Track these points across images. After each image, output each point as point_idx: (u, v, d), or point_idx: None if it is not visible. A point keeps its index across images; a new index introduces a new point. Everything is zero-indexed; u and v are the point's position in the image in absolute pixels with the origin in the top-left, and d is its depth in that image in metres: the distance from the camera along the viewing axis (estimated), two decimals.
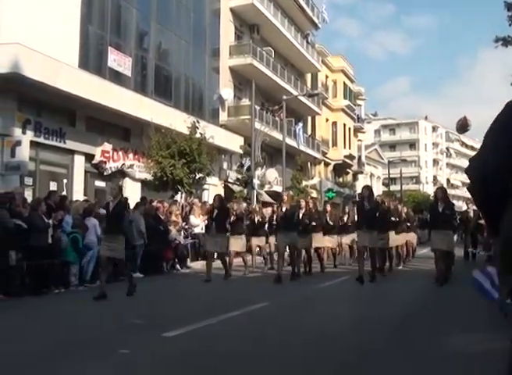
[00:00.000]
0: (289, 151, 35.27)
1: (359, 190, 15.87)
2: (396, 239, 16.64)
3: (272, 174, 35.45)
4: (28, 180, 19.59)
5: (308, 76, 49.66)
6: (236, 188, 31.50)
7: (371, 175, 67.10)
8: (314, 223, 15.58)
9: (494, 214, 2.29)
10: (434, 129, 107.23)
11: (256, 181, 29.53)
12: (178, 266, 17.52)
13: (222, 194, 26.28)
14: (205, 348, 6.33)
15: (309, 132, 48.01)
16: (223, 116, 33.85)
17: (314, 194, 39.96)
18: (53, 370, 5.47)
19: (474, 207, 14.21)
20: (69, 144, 22.04)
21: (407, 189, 73.43)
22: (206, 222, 15.94)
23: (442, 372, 5.32)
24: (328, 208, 18.80)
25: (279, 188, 33.01)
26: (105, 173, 23.62)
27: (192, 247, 18.88)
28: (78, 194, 20.77)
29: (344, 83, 55.41)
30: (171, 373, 5.46)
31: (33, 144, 19.94)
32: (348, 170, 58.11)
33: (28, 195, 17.30)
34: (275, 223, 15.75)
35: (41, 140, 20.67)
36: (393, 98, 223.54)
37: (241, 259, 16.45)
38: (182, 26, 30.12)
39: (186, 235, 18.58)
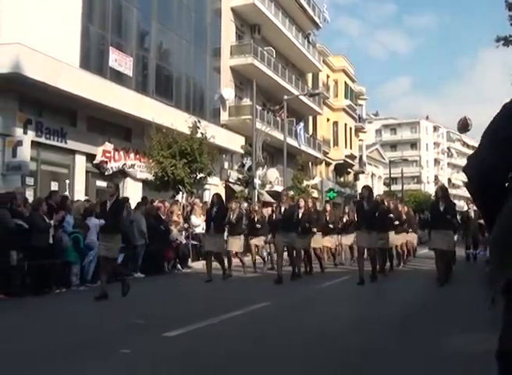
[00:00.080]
0: (290, 151, 35.26)
1: (360, 190, 15.80)
2: (396, 239, 16.63)
3: (273, 174, 35.45)
4: (29, 180, 19.61)
5: (309, 76, 49.66)
6: (237, 188, 31.50)
7: (373, 175, 67.09)
8: (314, 229, 15.58)
9: (492, 212, 2.33)
10: (435, 129, 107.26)
11: (257, 181, 29.52)
12: (179, 266, 17.52)
13: (223, 194, 26.32)
14: (206, 347, 6.34)
15: (310, 132, 48.01)
16: (224, 116, 33.86)
17: (315, 194, 40.00)
18: (53, 370, 5.48)
19: (475, 207, 14.23)
20: (71, 144, 22.06)
21: (408, 189, 73.38)
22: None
23: (442, 372, 5.32)
24: (328, 207, 18.71)
25: (280, 188, 32.94)
26: (106, 173, 23.61)
27: (193, 247, 18.89)
28: (79, 194, 20.78)
29: (345, 82, 55.40)
30: (171, 373, 5.47)
31: (34, 144, 19.96)
32: (349, 170, 58.11)
33: (29, 195, 17.32)
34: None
35: (42, 140, 20.69)
36: (394, 97, 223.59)
37: (239, 259, 16.40)
38: (183, 26, 30.12)
39: (188, 235, 18.58)
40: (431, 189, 77.78)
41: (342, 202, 44.98)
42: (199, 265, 17.98)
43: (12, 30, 18.82)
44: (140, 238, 15.60)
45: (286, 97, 33.78)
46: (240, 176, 31.21)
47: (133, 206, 16.50)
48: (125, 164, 24.84)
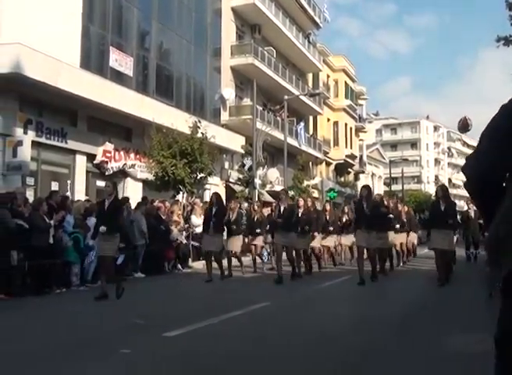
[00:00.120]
0: (290, 151, 35.27)
1: (359, 189, 15.74)
2: (395, 238, 16.58)
3: (273, 174, 35.45)
4: (30, 180, 19.62)
5: (310, 76, 49.66)
6: (237, 188, 31.52)
7: (373, 175, 67.06)
8: (316, 234, 15.56)
9: (490, 211, 2.36)
10: (435, 128, 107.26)
11: (257, 181, 29.54)
12: (179, 266, 17.52)
13: (224, 194, 26.30)
14: (206, 347, 6.34)
15: (310, 132, 48.00)
16: (224, 116, 33.86)
17: (315, 193, 40.01)
18: (53, 370, 5.48)
19: (475, 207, 14.23)
20: (71, 144, 22.07)
21: (409, 189, 73.40)
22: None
23: (442, 372, 5.32)
24: (328, 207, 18.58)
25: (280, 188, 32.99)
26: (107, 173, 23.61)
27: (193, 247, 18.88)
28: (79, 194, 20.78)
29: (345, 82, 55.40)
30: (171, 373, 5.47)
31: (34, 144, 19.97)
32: (349, 170, 58.11)
33: (30, 195, 17.33)
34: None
35: (43, 140, 20.70)
36: (395, 97, 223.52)
37: (238, 259, 16.33)
38: (183, 26, 30.13)
39: (188, 235, 18.57)
40: (431, 189, 77.76)
41: (342, 202, 44.97)
42: (199, 265, 17.97)
43: (13, 30, 18.83)
44: (140, 238, 15.61)
45: (286, 97, 33.79)
46: (241, 176, 31.22)
47: (133, 206, 16.50)
48: (125, 164, 24.84)
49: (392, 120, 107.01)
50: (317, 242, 16.80)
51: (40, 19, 19.89)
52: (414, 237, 19.54)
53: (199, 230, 18.80)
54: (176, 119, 22.68)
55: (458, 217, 16.66)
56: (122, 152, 24.73)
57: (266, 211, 18.20)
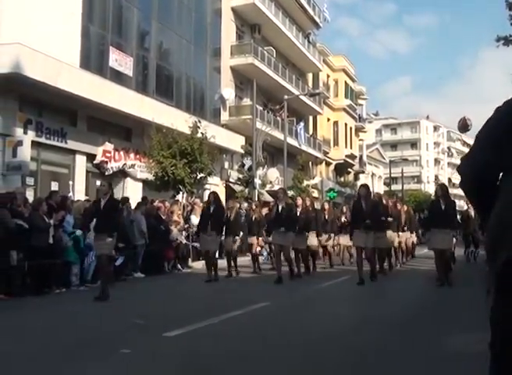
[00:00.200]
0: (290, 151, 35.27)
1: (358, 188, 15.68)
2: (394, 238, 16.49)
3: (273, 174, 35.45)
4: (29, 180, 19.62)
5: (309, 76, 49.66)
6: (237, 188, 31.52)
7: (373, 174, 67.06)
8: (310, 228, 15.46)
9: (486, 210, 2.43)
10: (435, 128, 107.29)
11: (257, 181, 29.55)
12: (179, 266, 17.51)
13: (224, 194, 26.31)
14: (206, 347, 6.34)
15: (310, 131, 48.01)
16: (224, 116, 33.87)
17: (315, 193, 40.00)
18: (53, 370, 5.47)
19: None
20: (71, 144, 22.07)
21: (409, 188, 73.45)
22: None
23: (442, 372, 5.31)
24: (326, 206, 18.52)
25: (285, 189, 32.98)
26: (107, 173, 23.61)
27: (193, 247, 18.86)
28: (79, 194, 20.75)
29: (345, 82, 55.40)
30: (171, 373, 5.46)
31: (34, 144, 19.97)
32: (349, 170, 58.11)
33: (29, 195, 17.32)
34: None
35: (43, 140, 20.70)
36: (395, 97, 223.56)
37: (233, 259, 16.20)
38: (183, 26, 30.13)
39: (188, 235, 18.56)
40: (431, 189, 77.77)
41: (342, 202, 44.97)
42: (199, 265, 17.96)
43: (13, 30, 18.83)
44: (140, 238, 15.60)
45: (286, 97, 33.80)
46: (241, 176, 31.22)
47: (133, 206, 16.49)
48: (125, 164, 24.85)
49: (392, 120, 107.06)
50: (313, 241, 16.75)
51: (40, 19, 19.90)
52: (413, 237, 19.53)
53: None
54: (175, 119, 22.69)
55: (458, 217, 16.64)
56: (121, 152, 24.73)
57: (265, 211, 18.17)
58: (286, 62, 42.83)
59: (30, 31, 19.08)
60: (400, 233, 17.32)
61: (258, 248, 18.75)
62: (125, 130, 25.61)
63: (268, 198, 32.32)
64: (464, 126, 13.77)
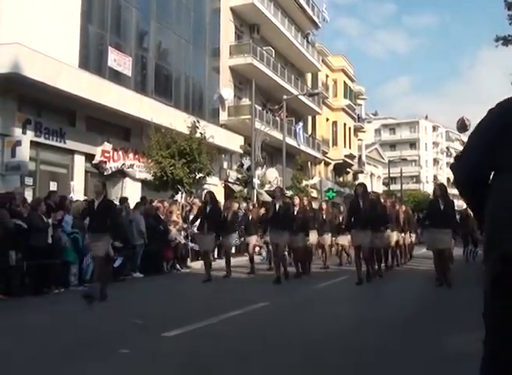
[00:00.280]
0: (289, 151, 35.28)
1: (355, 187, 15.61)
2: (392, 238, 16.40)
3: (272, 174, 35.45)
4: (28, 180, 19.60)
5: (308, 76, 49.66)
6: (236, 188, 31.51)
7: (372, 174, 67.12)
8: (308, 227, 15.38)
9: (479, 207, 2.55)
10: (434, 128, 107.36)
11: (256, 181, 29.54)
12: (178, 266, 17.51)
13: (223, 194, 26.30)
14: (205, 347, 6.33)
15: (309, 131, 48.02)
16: (223, 116, 33.85)
17: (314, 193, 39.99)
18: (53, 370, 5.47)
19: None
20: (70, 144, 22.06)
21: (408, 188, 73.49)
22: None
23: (442, 372, 5.31)
24: (324, 206, 18.44)
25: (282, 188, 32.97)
26: (105, 173, 23.61)
27: (192, 248, 18.85)
28: (78, 194, 20.73)
29: (344, 82, 55.42)
30: (171, 373, 5.46)
31: (33, 144, 19.96)
32: (348, 170, 58.12)
33: (28, 195, 17.30)
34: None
35: (41, 140, 20.69)
36: (394, 97, 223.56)
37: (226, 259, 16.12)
38: (182, 26, 30.12)
39: (186, 235, 18.55)
40: (430, 189, 77.77)
41: (341, 202, 44.97)
42: (198, 265, 17.95)
43: (12, 30, 18.81)
44: (139, 238, 15.59)
45: (285, 97, 33.79)
46: (239, 176, 31.21)
47: (132, 206, 16.48)
48: (124, 164, 24.84)
49: (391, 120, 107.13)
50: (315, 240, 16.74)
51: (39, 19, 19.88)
52: (412, 237, 19.49)
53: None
54: (174, 119, 22.67)
55: (457, 217, 16.62)
56: (120, 152, 24.71)
57: (263, 211, 18.16)
58: (285, 62, 42.83)
59: (29, 31, 19.07)
60: (398, 233, 17.24)
61: (257, 248, 18.79)
62: (124, 130, 25.60)
63: (267, 198, 32.31)
64: (462, 126, 13.78)
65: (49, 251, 12.11)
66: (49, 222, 12.22)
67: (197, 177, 21.53)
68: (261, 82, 34.98)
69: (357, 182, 56.45)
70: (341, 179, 55.37)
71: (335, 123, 54.20)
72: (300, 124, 43.21)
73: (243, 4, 35.48)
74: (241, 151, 31.76)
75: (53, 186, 20.77)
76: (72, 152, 22.53)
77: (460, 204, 27.16)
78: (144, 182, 25.07)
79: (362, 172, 61.99)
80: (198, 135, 21.39)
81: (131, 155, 25.27)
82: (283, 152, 31.29)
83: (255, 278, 15.33)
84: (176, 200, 20.50)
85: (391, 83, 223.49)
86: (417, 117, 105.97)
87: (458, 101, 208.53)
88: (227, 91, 33.65)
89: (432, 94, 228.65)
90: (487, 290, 2.43)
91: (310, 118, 49.30)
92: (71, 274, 12.86)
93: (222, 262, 15.72)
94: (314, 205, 19.14)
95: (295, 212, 14.54)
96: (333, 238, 18.55)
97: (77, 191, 21.65)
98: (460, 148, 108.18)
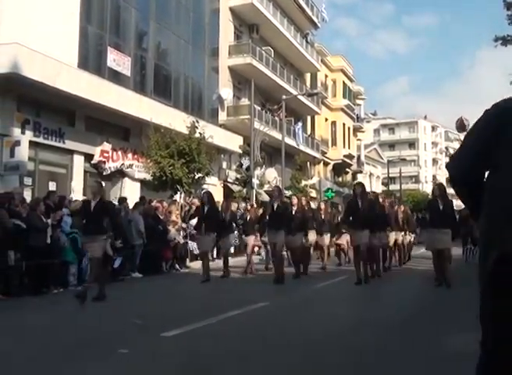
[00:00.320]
0: (288, 151, 35.27)
1: (353, 187, 15.55)
2: (391, 238, 16.34)
3: (271, 174, 35.45)
4: (27, 180, 19.57)
5: (308, 76, 49.67)
6: (235, 188, 31.51)
7: (371, 174, 67.13)
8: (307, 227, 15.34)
9: (475, 206, 2.61)
10: (433, 128, 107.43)
11: (255, 181, 29.53)
12: (177, 266, 17.50)
13: (222, 194, 26.28)
14: (204, 347, 6.33)
15: (308, 131, 48.01)
16: (222, 116, 33.85)
17: (313, 193, 39.98)
18: (53, 370, 5.47)
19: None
20: (69, 144, 22.05)
21: (407, 188, 73.44)
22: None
23: (442, 372, 5.31)
24: (322, 206, 18.31)
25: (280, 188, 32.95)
26: (105, 173, 23.62)
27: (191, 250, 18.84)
28: (77, 194, 20.73)
29: (344, 82, 55.42)
30: (170, 373, 5.46)
31: (32, 144, 19.95)
32: (347, 170, 58.13)
33: (27, 195, 17.27)
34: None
35: (40, 140, 20.68)
36: (393, 97, 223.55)
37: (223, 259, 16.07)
38: (181, 26, 30.12)
39: (185, 235, 18.54)
40: (429, 189, 77.70)
41: (340, 202, 44.96)
42: (197, 265, 17.93)
43: (11, 30, 18.80)
44: (138, 238, 15.58)
45: (284, 96, 33.74)
46: (238, 175, 31.22)
47: (131, 206, 16.48)
48: (123, 164, 24.83)
49: (390, 120, 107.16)
50: (314, 240, 16.72)
51: (39, 19, 19.87)
52: (411, 237, 19.44)
53: None
54: (173, 119, 22.67)
55: (457, 217, 16.59)
56: (119, 152, 24.71)
57: (261, 211, 18.11)
58: (284, 62, 42.83)
59: (28, 31, 19.06)
60: (397, 233, 17.19)
61: (256, 248, 18.75)
62: (123, 130, 25.59)
63: (266, 198, 32.32)
64: (461, 126, 13.83)
65: (48, 251, 12.11)
66: (48, 222, 12.21)
67: (196, 177, 21.52)
68: (260, 82, 34.98)
69: (355, 182, 56.62)
70: (340, 179, 55.37)
71: (334, 123, 54.20)
72: (299, 124, 43.20)
73: (242, 4, 35.48)
74: (240, 151, 31.77)
75: (52, 186, 20.76)
76: (71, 152, 22.52)
77: (459, 204, 27.08)
78: (143, 182, 25.06)
79: (361, 172, 62.00)
80: (197, 135, 21.39)
81: (130, 155, 25.27)
82: (282, 152, 31.27)
83: (254, 278, 15.32)
84: (175, 200, 20.50)
85: (390, 83, 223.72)
86: (416, 117, 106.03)
87: (457, 101, 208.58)
88: (226, 91, 33.66)
89: (432, 94, 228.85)
90: (484, 290, 2.45)
91: (309, 118, 49.30)
92: (70, 274, 12.86)
93: (220, 263, 15.68)
94: (313, 205, 19.12)
95: (293, 212, 14.50)
96: (332, 239, 18.51)
97: (76, 191, 21.66)
98: None
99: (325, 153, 51.01)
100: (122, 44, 25.59)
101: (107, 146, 23.71)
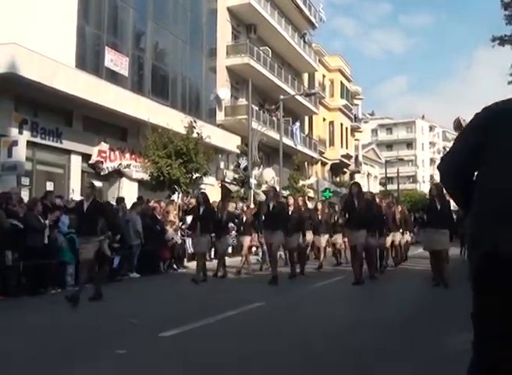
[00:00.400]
0: (286, 151, 35.25)
1: (349, 187, 15.51)
2: (388, 238, 16.31)
3: (269, 174, 35.44)
4: (25, 180, 19.55)
5: (305, 76, 49.69)
6: (233, 188, 31.51)
7: (368, 174, 67.15)
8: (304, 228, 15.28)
9: (466, 204, 2.68)
10: (431, 128, 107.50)
11: (253, 181, 29.51)
12: (175, 266, 17.50)
13: (219, 194, 26.27)
14: (202, 347, 6.31)
15: (306, 131, 48.03)
16: (220, 116, 33.85)
17: (311, 193, 40.01)
18: (52, 370, 5.47)
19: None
20: (66, 144, 22.03)
21: (404, 188, 73.56)
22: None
23: (442, 372, 5.30)
24: (319, 206, 18.34)
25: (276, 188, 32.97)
26: (102, 173, 23.62)
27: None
28: (76, 195, 20.71)
29: (341, 82, 55.44)
30: (168, 373, 5.45)
31: (29, 144, 19.92)
32: (345, 170, 58.14)
33: (25, 195, 17.26)
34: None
35: (38, 140, 20.66)
36: (390, 97, 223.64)
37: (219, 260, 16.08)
38: (179, 26, 30.11)
39: (183, 235, 18.54)
40: (426, 188, 77.76)
41: (337, 202, 44.94)
42: (194, 265, 17.92)
43: (8, 30, 18.75)
44: (135, 238, 15.58)
45: (282, 96, 33.76)
46: (236, 176, 31.22)
47: (128, 206, 16.46)
48: (120, 164, 24.82)
49: (388, 120, 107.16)
50: (311, 240, 16.72)
51: (36, 19, 19.84)
52: (408, 237, 19.40)
53: None
54: (171, 119, 22.64)
55: (454, 216, 16.59)
56: (117, 152, 24.70)
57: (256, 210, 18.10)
58: (282, 62, 42.84)
59: (25, 31, 19.02)
60: (394, 233, 17.17)
61: (254, 248, 18.77)
62: (120, 130, 25.57)
63: (264, 198, 32.34)
64: (459, 126, 13.74)
65: (45, 251, 12.11)
66: (46, 222, 12.21)
67: (194, 177, 21.50)
68: (258, 82, 34.98)
69: (352, 182, 56.57)
70: (338, 179, 55.39)
71: (331, 123, 54.22)
72: (297, 124, 43.21)
73: (239, 4, 35.47)
74: (238, 151, 31.75)
75: (49, 186, 20.73)
76: (68, 152, 22.50)
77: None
78: (140, 182, 25.05)
79: (359, 172, 62.01)
80: (195, 135, 21.36)
81: (128, 155, 25.26)
82: (280, 152, 31.27)
83: (251, 278, 15.32)
84: (173, 200, 20.49)
85: (388, 83, 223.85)
86: (413, 117, 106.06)
87: (455, 101, 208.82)
88: (224, 91, 33.64)
89: (429, 93, 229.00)
90: (473, 288, 2.52)
91: (307, 118, 49.31)
92: (67, 274, 12.86)
93: (216, 263, 15.68)
94: (311, 205, 19.10)
95: (289, 213, 14.48)
96: (330, 239, 18.50)
97: (75, 192, 21.61)
98: None
99: (323, 153, 51.04)
100: (119, 44, 25.58)
101: (104, 146, 23.69)
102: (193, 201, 20.65)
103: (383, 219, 15.29)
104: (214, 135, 24.90)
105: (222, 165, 33.07)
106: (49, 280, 12.31)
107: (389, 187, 61.70)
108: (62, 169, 22.55)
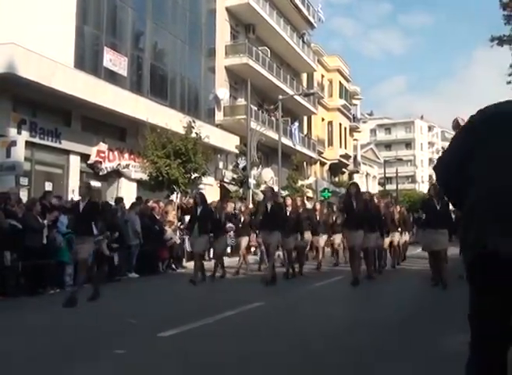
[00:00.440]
0: (284, 151, 35.27)
1: (347, 187, 15.50)
2: (386, 238, 16.28)
3: (267, 174, 35.42)
4: (23, 181, 19.54)
5: (304, 76, 49.68)
6: (232, 188, 31.50)
7: (367, 174, 67.17)
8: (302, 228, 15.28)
9: (459, 203, 2.73)
10: (430, 128, 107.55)
11: (252, 181, 29.52)
12: (173, 266, 17.49)
13: (218, 194, 26.27)
14: (201, 347, 6.32)
15: (305, 131, 48.02)
16: (219, 116, 33.84)
17: (309, 193, 40.01)
18: (52, 370, 5.47)
19: None
20: (65, 145, 22.01)
21: (403, 188, 73.55)
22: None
23: (442, 372, 5.30)
24: (318, 206, 18.31)
25: (275, 188, 32.95)
26: (101, 173, 23.60)
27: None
28: (75, 195, 20.69)
29: (340, 82, 55.43)
30: (167, 373, 5.45)
31: (28, 144, 19.85)
32: (344, 170, 58.14)
33: (23, 195, 17.28)
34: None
35: (37, 140, 20.63)
36: (389, 97, 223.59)
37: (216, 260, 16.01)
38: (178, 26, 30.10)
39: (182, 234, 18.53)
40: (425, 188, 77.82)
41: (336, 202, 44.96)
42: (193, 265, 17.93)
43: (7, 30, 18.74)
44: (134, 238, 15.58)
45: (280, 96, 33.78)
46: (235, 176, 31.21)
47: (127, 206, 16.46)
48: (119, 164, 24.80)
49: (387, 120, 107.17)
50: (309, 240, 16.72)
51: (35, 19, 19.83)
52: (407, 237, 19.39)
53: None
54: (170, 119, 22.63)
55: (453, 216, 16.58)
56: (116, 152, 24.68)
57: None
58: (281, 62, 42.83)
59: (24, 31, 19.00)
60: (393, 234, 17.15)
61: (253, 249, 18.77)
62: (119, 130, 25.56)
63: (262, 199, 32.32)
64: (457, 127, 13.70)
65: (44, 251, 12.10)
66: (44, 222, 12.20)
67: (193, 177, 21.51)
68: (257, 82, 34.97)
69: (350, 182, 56.56)
70: (336, 179, 55.40)
71: (330, 123, 54.23)
72: (296, 124, 43.21)
73: (238, 4, 35.47)
74: (237, 151, 31.74)
75: (48, 186, 20.73)
76: (67, 152, 22.48)
77: None
78: (139, 182, 25.03)
79: (358, 172, 62.02)
80: (194, 135, 21.37)
81: (126, 155, 25.24)
82: (279, 152, 31.28)
83: (249, 278, 15.31)
84: (172, 200, 20.48)
85: (386, 83, 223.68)
86: (412, 117, 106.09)
87: (454, 101, 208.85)
88: (223, 91, 33.64)
89: (428, 93, 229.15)
90: (469, 287, 2.55)
91: (305, 118, 49.30)
92: (66, 274, 12.84)
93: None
94: (309, 205, 19.10)
95: (288, 213, 14.47)
96: (329, 239, 18.51)
97: (75, 192, 21.62)
98: None
99: (322, 153, 51.05)
100: (118, 44, 25.56)
101: (103, 146, 23.68)
102: (192, 201, 20.69)
103: (381, 220, 15.30)
104: (213, 135, 24.89)
105: (220, 165, 33.06)
106: (48, 280, 12.31)
107: (388, 187, 61.67)
108: (60, 169, 22.54)
